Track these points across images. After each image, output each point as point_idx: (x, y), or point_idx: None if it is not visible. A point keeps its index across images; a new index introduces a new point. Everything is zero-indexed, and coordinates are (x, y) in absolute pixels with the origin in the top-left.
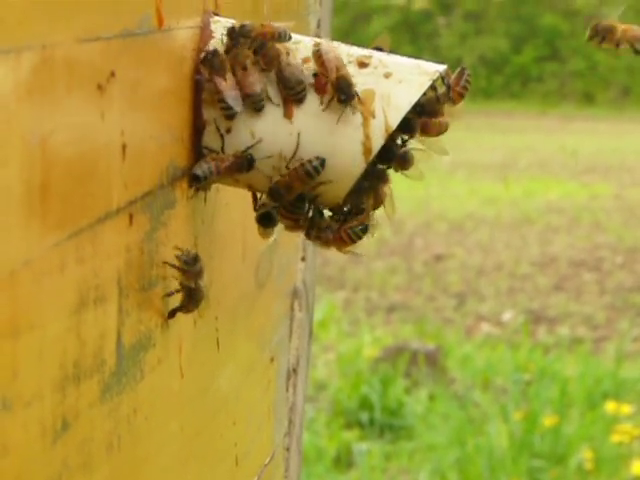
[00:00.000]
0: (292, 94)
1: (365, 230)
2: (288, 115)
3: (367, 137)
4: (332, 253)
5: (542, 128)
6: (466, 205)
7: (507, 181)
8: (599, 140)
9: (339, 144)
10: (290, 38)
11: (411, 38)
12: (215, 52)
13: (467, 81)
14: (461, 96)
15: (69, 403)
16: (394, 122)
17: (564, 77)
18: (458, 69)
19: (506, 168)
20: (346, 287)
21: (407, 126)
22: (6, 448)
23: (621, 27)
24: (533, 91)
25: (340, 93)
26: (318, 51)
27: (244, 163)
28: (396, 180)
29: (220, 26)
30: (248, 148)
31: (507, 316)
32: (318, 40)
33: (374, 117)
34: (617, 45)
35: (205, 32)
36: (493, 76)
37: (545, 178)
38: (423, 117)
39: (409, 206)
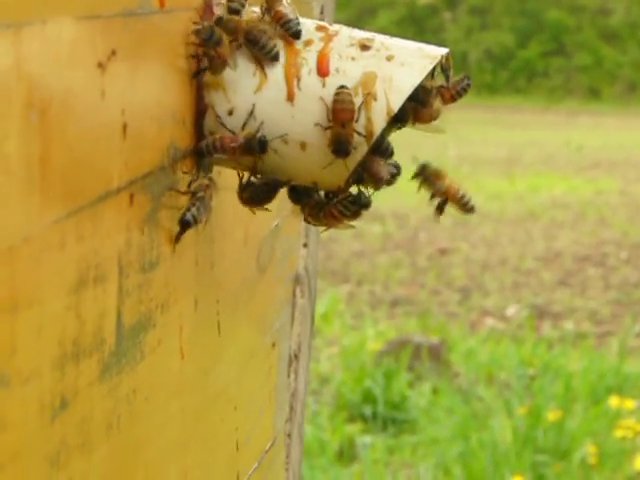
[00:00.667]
0: (264, 53)
1: (355, 202)
2: (290, 97)
3: (369, 120)
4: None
5: (547, 123)
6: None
7: (512, 176)
8: (604, 135)
9: None
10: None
11: (416, 32)
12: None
13: (464, 89)
14: (452, 99)
15: (68, 381)
16: (396, 105)
17: (570, 72)
18: (462, 75)
19: (511, 163)
20: (350, 281)
21: (399, 115)
22: (4, 424)
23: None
24: (539, 86)
25: None
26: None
27: (255, 145)
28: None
29: (222, 8)
30: (259, 130)
31: (511, 311)
32: (321, 23)
33: (376, 100)
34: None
35: (207, 14)
36: (498, 71)
37: (550, 173)
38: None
39: (413, 200)
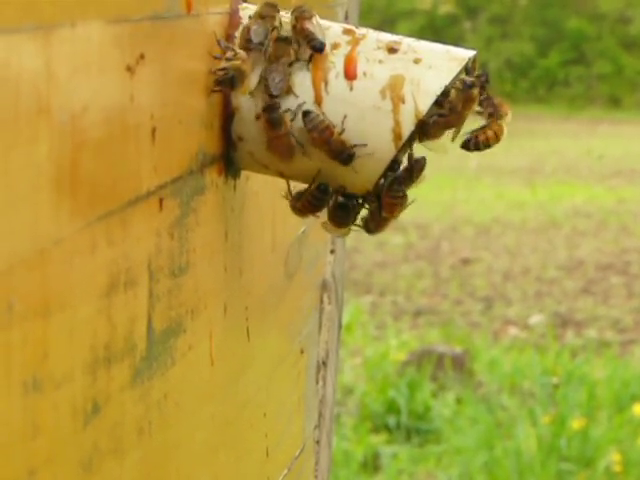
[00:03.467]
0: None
1: (401, 182)
2: (318, 100)
3: (397, 123)
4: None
5: (568, 132)
6: (493, 209)
7: (534, 185)
8: (626, 144)
9: (369, 130)
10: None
11: (436, 42)
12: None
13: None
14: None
15: (100, 386)
16: (424, 107)
17: (590, 81)
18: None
19: (533, 172)
20: (373, 291)
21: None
22: (37, 429)
23: None
24: (559, 95)
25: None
26: None
27: (343, 154)
28: (422, 185)
29: (249, 13)
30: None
31: (534, 320)
32: (347, 26)
33: (404, 102)
34: None
35: (234, 18)
36: (519, 80)
37: (572, 182)
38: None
39: (435, 210)
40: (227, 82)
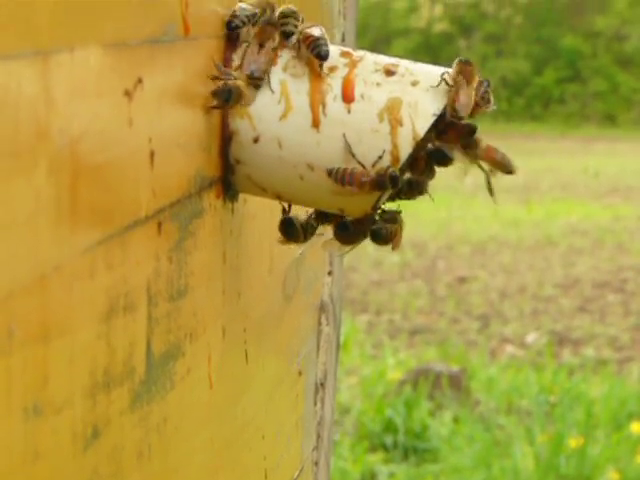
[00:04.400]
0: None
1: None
2: (315, 123)
3: (395, 146)
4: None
5: (564, 150)
6: (489, 227)
7: (530, 203)
8: (621, 161)
9: (367, 153)
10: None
11: (432, 60)
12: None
13: (484, 97)
14: (478, 106)
15: (100, 410)
16: (422, 130)
17: (585, 98)
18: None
19: (528, 190)
20: (369, 310)
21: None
22: (37, 454)
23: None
24: (554, 113)
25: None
26: None
27: (387, 181)
28: (419, 202)
29: (248, 32)
30: (390, 166)
31: (531, 338)
32: (345, 49)
33: (402, 125)
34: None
35: (231, 41)
36: (514, 98)
37: (567, 200)
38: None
39: (431, 229)
40: (223, 94)
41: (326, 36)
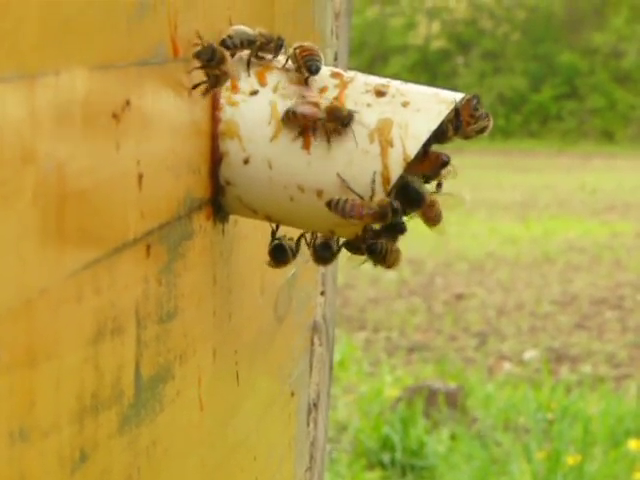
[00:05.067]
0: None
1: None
2: (306, 145)
3: (385, 167)
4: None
5: (561, 166)
6: (486, 244)
7: (527, 220)
8: (619, 177)
9: (358, 174)
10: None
11: (429, 78)
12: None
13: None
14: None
15: (87, 434)
16: (412, 151)
17: (583, 115)
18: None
19: (526, 207)
20: (366, 327)
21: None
22: (23, 478)
23: None
24: (552, 129)
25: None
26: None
27: (388, 212)
28: (416, 219)
29: (235, 56)
30: (390, 198)
31: (529, 355)
32: (335, 70)
33: (392, 146)
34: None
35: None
36: (512, 115)
37: (565, 216)
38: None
39: (429, 245)
40: (207, 53)
41: (321, 55)
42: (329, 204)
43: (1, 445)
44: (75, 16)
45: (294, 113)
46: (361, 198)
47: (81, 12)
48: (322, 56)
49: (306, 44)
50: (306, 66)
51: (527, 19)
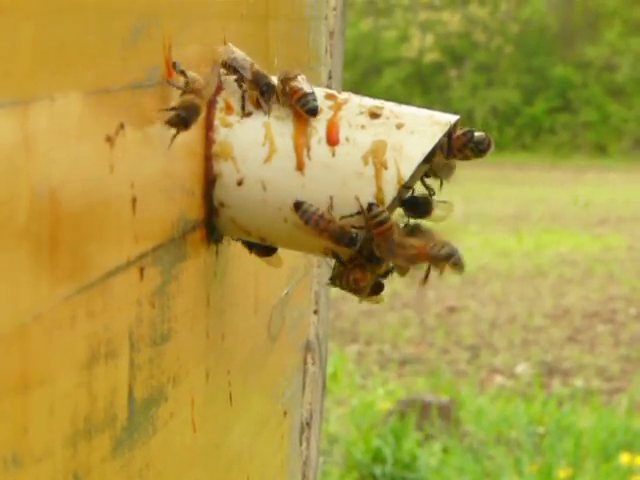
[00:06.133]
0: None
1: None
2: (300, 166)
3: (379, 189)
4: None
5: (554, 180)
6: (479, 257)
7: (520, 233)
8: (612, 191)
9: (352, 196)
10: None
11: (422, 90)
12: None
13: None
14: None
15: (80, 458)
16: (407, 173)
17: (576, 128)
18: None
19: (518, 220)
20: (359, 340)
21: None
22: None
23: None
24: (545, 143)
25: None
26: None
27: (345, 239)
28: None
29: (230, 77)
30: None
31: (521, 368)
32: (330, 91)
33: (386, 168)
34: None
35: (213, 80)
36: (505, 128)
37: (558, 230)
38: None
39: None
40: (179, 123)
41: (309, 85)
42: (297, 206)
43: None
44: (70, 41)
45: None
46: (331, 217)
47: (76, 37)
48: (311, 87)
49: (293, 83)
50: (304, 110)
51: (521, 32)
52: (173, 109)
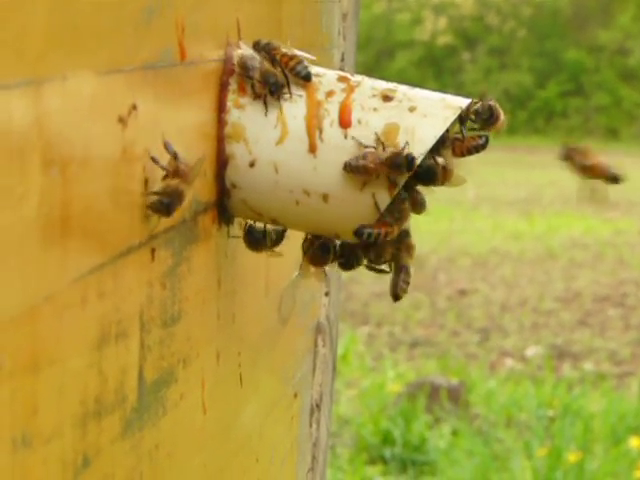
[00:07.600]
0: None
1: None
2: (312, 148)
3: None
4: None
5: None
6: (490, 240)
7: (531, 216)
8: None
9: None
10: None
11: (435, 73)
12: None
13: (476, 148)
14: (462, 155)
15: (90, 439)
16: (419, 156)
17: (588, 112)
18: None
19: (530, 203)
20: (369, 322)
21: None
22: None
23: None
24: (557, 126)
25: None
26: None
27: (402, 161)
28: (420, 216)
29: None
30: (406, 146)
31: (531, 351)
32: (342, 73)
33: None
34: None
35: (228, 65)
36: (517, 111)
37: (569, 213)
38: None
39: (433, 241)
40: (161, 210)
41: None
42: (345, 166)
43: (3, 451)
44: (82, 21)
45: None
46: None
47: (88, 17)
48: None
49: (283, 50)
50: (299, 77)
51: (533, 16)
52: (156, 194)
